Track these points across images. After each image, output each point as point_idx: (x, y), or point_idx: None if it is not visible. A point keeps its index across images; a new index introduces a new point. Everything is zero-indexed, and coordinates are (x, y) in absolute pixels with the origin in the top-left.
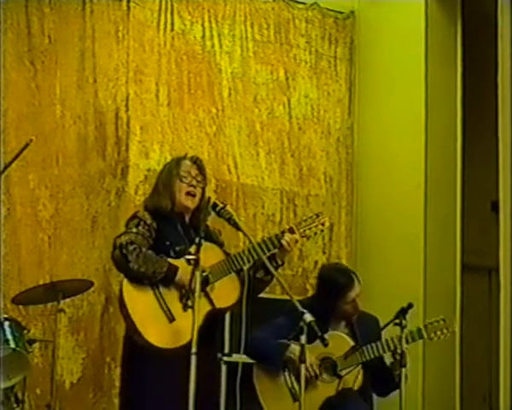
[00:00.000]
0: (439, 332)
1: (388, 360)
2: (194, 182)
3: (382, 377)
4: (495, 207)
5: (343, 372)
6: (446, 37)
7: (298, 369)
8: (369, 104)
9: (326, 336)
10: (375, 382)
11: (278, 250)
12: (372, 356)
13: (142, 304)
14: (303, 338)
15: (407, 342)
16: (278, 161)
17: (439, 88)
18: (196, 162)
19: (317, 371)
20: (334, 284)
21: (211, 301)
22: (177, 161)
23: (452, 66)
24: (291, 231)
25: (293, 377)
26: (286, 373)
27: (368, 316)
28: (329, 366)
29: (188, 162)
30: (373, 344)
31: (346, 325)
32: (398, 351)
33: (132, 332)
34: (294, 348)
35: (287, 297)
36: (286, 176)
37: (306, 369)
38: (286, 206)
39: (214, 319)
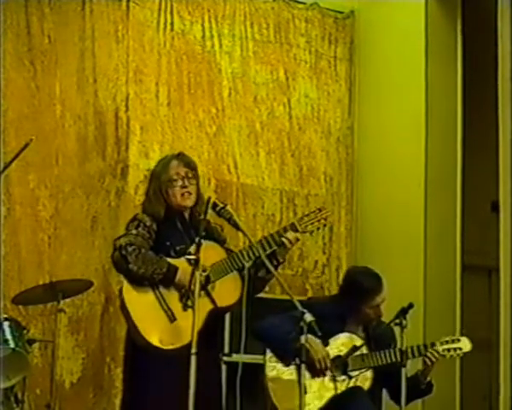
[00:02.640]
0: (452, 351)
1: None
2: (186, 182)
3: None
4: (495, 207)
5: (353, 373)
6: (446, 37)
7: (310, 359)
8: (369, 104)
9: (340, 336)
10: (393, 391)
11: (279, 248)
12: (384, 362)
13: (143, 305)
14: (303, 338)
15: (420, 353)
16: (278, 160)
17: (439, 88)
18: (183, 160)
19: (328, 365)
20: (361, 287)
21: (212, 300)
22: (163, 166)
23: (452, 66)
24: (293, 227)
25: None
26: (297, 363)
27: (384, 325)
28: (340, 365)
29: (175, 162)
30: (386, 351)
31: (363, 330)
32: (428, 359)
33: (134, 334)
34: (310, 338)
35: (287, 297)
36: (286, 176)
37: (318, 361)
38: (286, 206)
39: (216, 318)
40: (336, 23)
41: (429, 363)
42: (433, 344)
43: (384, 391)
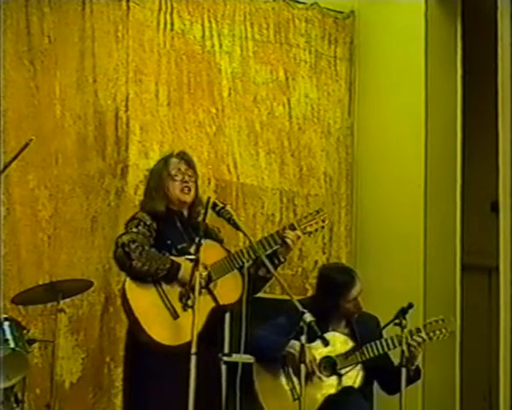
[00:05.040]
0: (438, 332)
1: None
2: (186, 177)
3: (391, 376)
4: (495, 207)
5: (343, 371)
6: (446, 37)
7: (298, 366)
8: (369, 104)
9: (326, 335)
10: (384, 381)
11: (281, 247)
12: (372, 355)
13: (145, 301)
14: (303, 338)
15: (406, 341)
16: (278, 160)
17: (439, 88)
18: (184, 158)
19: (316, 368)
20: (335, 283)
21: (214, 298)
22: (165, 161)
23: (452, 66)
24: (292, 227)
25: (292, 375)
26: (286, 371)
27: (368, 316)
28: (329, 365)
29: (175, 159)
30: (372, 343)
31: (346, 325)
32: (412, 346)
33: (136, 330)
34: (294, 344)
35: (287, 297)
36: (286, 176)
37: (305, 365)
38: (286, 206)
39: (218, 316)
40: (336, 23)
41: (418, 349)
42: (418, 330)
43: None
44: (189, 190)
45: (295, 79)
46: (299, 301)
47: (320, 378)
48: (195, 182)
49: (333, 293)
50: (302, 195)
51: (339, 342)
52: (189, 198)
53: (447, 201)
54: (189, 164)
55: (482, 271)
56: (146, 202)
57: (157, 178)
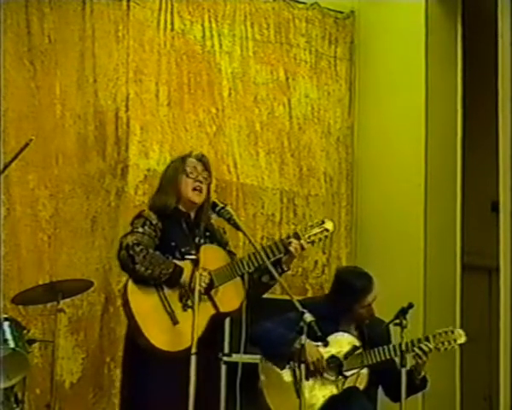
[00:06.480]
0: (446, 343)
1: (409, 364)
2: (200, 178)
3: (397, 382)
4: (495, 207)
5: (348, 373)
6: (446, 37)
7: (305, 363)
8: (369, 104)
9: (335, 336)
10: (389, 387)
11: (285, 256)
12: (378, 360)
13: (146, 305)
14: (303, 338)
15: (412, 348)
16: (278, 160)
17: (439, 88)
18: (202, 159)
19: (324, 366)
20: (352, 288)
21: (215, 305)
22: (183, 158)
23: (452, 66)
24: (296, 236)
25: (298, 372)
26: (292, 367)
27: (378, 320)
28: (335, 366)
29: (193, 159)
30: (380, 348)
31: (356, 328)
32: (422, 354)
33: (136, 334)
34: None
35: (287, 297)
36: (286, 176)
37: (313, 363)
38: (286, 206)
39: (217, 323)
40: (336, 23)
41: (423, 358)
42: (427, 338)
43: (379, 388)
44: (201, 191)
45: (295, 79)
46: (314, 299)
47: (325, 378)
48: (208, 185)
49: (348, 297)
50: (302, 195)
51: (347, 343)
52: (198, 199)
53: (447, 201)
54: (206, 166)
55: (482, 271)
56: (158, 196)
57: (172, 174)
